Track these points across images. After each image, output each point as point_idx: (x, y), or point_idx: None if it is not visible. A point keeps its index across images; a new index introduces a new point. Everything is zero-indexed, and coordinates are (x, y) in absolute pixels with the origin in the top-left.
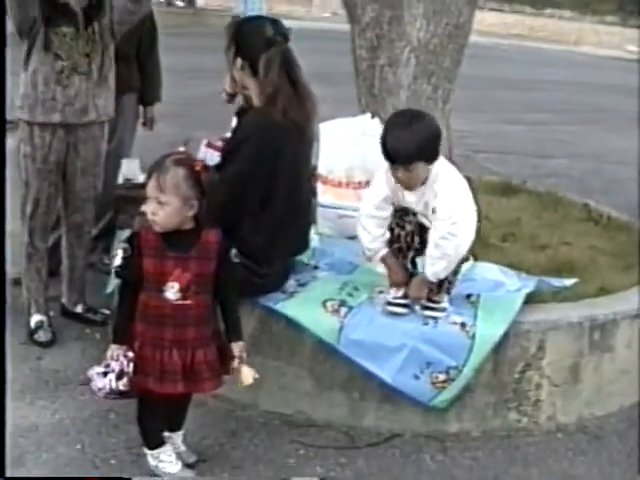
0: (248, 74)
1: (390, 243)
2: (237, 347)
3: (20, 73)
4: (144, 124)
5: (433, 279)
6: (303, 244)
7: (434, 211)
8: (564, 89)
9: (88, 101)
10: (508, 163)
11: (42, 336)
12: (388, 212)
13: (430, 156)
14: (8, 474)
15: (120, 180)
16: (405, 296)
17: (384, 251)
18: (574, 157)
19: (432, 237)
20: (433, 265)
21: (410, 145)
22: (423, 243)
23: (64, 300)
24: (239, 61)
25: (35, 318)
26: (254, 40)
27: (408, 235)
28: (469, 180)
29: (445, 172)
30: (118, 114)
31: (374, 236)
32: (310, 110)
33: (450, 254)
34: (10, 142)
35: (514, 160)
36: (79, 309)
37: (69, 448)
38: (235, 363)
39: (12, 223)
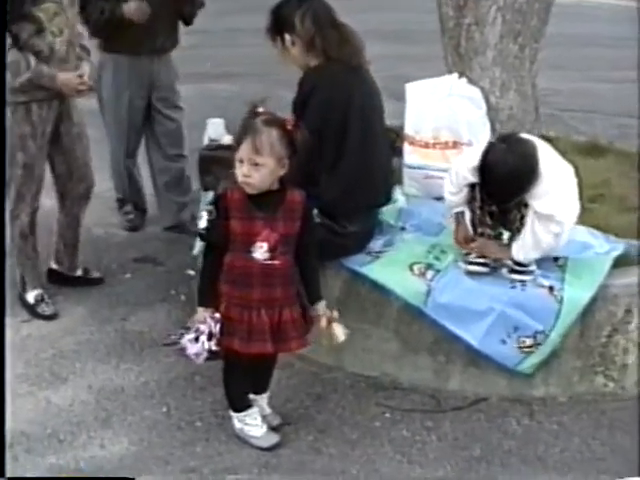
0: (299, 45)
1: (469, 200)
2: (322, 306)
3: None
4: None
5: (516, 258)
6: (382, 197)
7: (537, 210)
8: None
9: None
10: (594, 122)
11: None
12: (476, 179)
13: (527, 189)
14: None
15: (205, 141)
16: (485, 256)
17: (461, 208)
18: None
19: (532, 226)
20: (523, 248)
21: (510, 195)
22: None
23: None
24: (287, 38)
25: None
26: (288, 10)
27: (486, 202)
28: (556, 140)
29: (547, 171)
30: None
31: (457, 190)
32: (357, 46)
33: (545, 248)
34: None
35: (600, 119)
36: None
37: (154, 411)
38: (323, 322)
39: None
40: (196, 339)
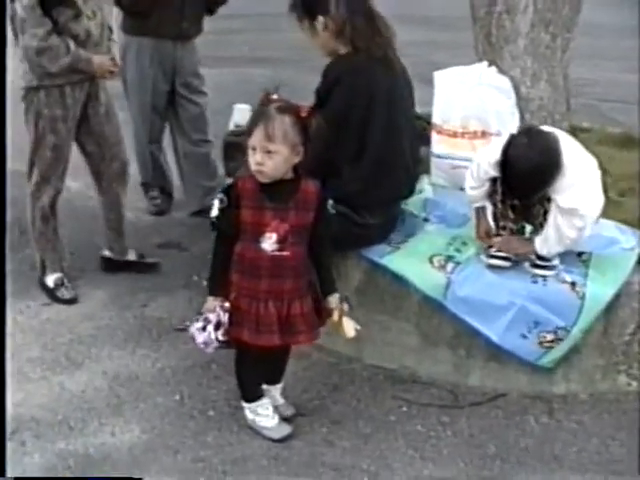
0: (330, 29)
1: (490, 194)
2: (334, 299)
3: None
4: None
5: (539, 252)
6: (405, 190)
7: (559, 205)
8: None
9: None
10: (634, 113)
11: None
12: (498, 174)
13: (550, 183)
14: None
15: (231, 127)
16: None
17: (481, 203)
18: None
19: (555, 220)
20: (547, 242)
21: (533, 190)
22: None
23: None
24: (320, 20)
25: (52, 276)
26: None
27: (507, 194)
28: (589, 131)
29: (570, 164)
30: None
31: (478, 184)
32: (388, 38)
33: (568, 242)
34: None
35: (638, 111)
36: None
37: (167, 399)
38: (335, 316)
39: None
40: (204, 328)
